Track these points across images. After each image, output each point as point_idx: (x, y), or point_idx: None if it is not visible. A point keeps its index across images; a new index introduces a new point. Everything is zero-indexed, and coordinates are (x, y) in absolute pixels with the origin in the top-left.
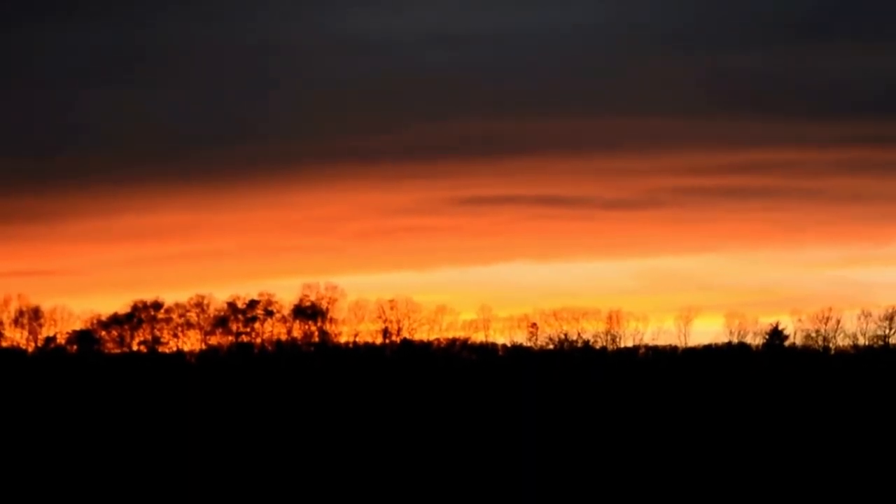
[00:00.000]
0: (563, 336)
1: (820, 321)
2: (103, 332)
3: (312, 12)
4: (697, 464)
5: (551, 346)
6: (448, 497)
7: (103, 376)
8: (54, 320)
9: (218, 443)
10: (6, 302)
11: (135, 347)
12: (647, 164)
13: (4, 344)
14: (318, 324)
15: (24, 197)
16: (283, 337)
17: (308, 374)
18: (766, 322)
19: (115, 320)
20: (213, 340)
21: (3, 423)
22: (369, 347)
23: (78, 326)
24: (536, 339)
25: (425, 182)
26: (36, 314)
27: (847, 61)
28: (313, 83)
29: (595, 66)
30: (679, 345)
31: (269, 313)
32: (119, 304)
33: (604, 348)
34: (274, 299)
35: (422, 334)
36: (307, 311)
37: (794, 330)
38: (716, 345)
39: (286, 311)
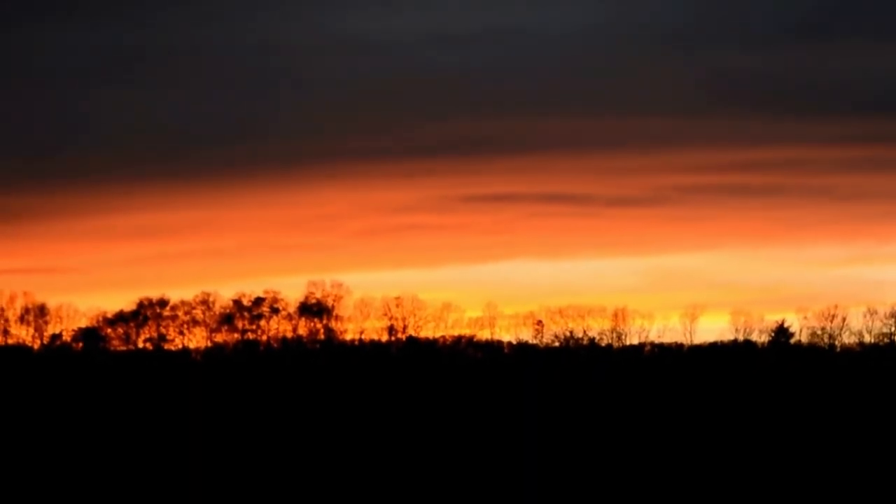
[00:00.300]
0: (568, 333)
1: (825, 319)
2: (109, 330)
3: (314, 12)
4: (703, 460)
5: (556, 344)
6: (452, 493)
7: (109, 374)
8: (60, 318)
9: (223, 440)
10: (12, 299)
11: (140, 345)
12: (653, 163)
13: (11, 341)
14: (324, 321)
15: (30, 195)
16: (289, 334)
17: (313, 372)
18: (772, 320)
19: (121, 318)
20: (219, 338)
21: (9, 421)
22: (375, 345)
23: (84, 324)
24: (542, 337)
25: (430, 180)
26: (42, 312)
27: (851, 60)
28: (318, 83)
29: (598, 65)
30: (684, 342)
31: (275, 311)
32: (125, 301)
33: (609, 346)
34: (279, 297)
35: (427, 332)
36: (313, 309)
37: (800, 327)
38: (721, 342)
39: (292, 309)
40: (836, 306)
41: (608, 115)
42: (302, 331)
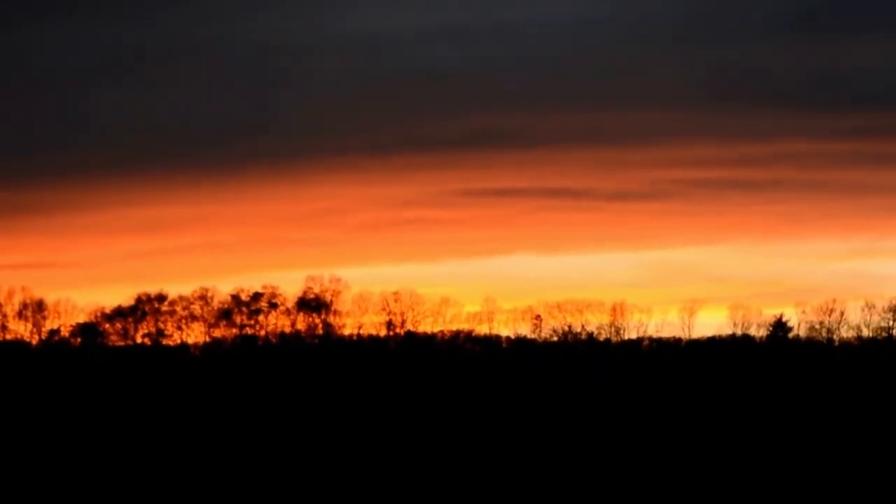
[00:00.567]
0: (566, 328)
1: (824, 313)
2: (107, 325)
3: (314, 9)
4: (702, 455)
5: (555, 339)
6: (451, 488)
7: (107, 369)
8: (58, 313)
9: (222, 435)
10: (10, 295)
11: (139, 340)
12: (651, 157)
13: (9, 337)
14: (322, 316)
15: (28, 191)
16: (287, 329)
17: (312, 367)
18: (770, 314)
19: (119, 313)
20: (217, 333)
21: (7, 416)
22: (373, 340)
23: (82, 319)
24: (540, 332)
25: (429, 175)
26: (40, 307)
27: (851, 54)
28: (317, 79)
29: (599, 60)
30: (683, 337)
31: (273, 306)
32: (123, 296)
33: (607, 340)
34: (278, 292)
35: (426, 326)
36: (311, 304)
37: (798, 322)
38: (720, 337)
39: (290, 304)
40: (834, 300)
41: (608, 110)
42: (300, 326)
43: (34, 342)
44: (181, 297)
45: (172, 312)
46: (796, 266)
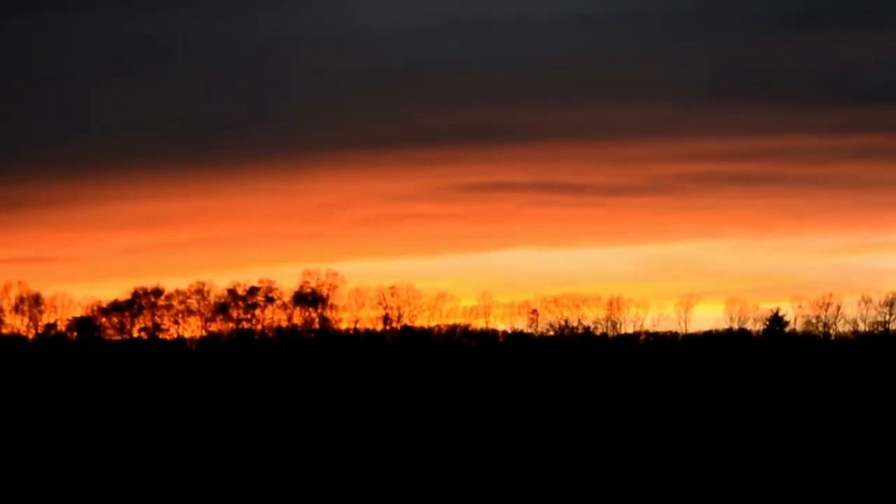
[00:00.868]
0: (563, 322)
1: (820, 307)
2: (104, 319)
3: (313, 4)
4: (698, 449)
5: (552, 333)
6: (448, 482)
7: (104, 363)
8: (55, 307)
9: (219, 429)
10: (7, 289)
11: (135, 334)
12: (649, 151)
13: (5, 331)
14: (319, 310)
15: (25, 185)
16: (284, 324)
17: (308, 361)
18: (767, 308)
19: (116, 307)
20: (214, 327)
21: (4, 410)
22: (370, 334)
23: (78, 313)
24: (537, 326)
25: (426, 169)
26: (36, 301)
27: (850, 49)
28: (314, 73)
29: (597, 54)
30: (679, 331)
31: (270, 300)
32: (119, 290)
33: (604, 335)
34: (274, 286)
35: (422, 321)
36: (308, 298)
37: (795, 316)
38: (716, 331)
39: (287, 298)
40: (830, 295)
41: (606, 104)
42: (297, 320)
43: (31, 336)
44: (178, 292)
45: (169, 307)
46: (793, 260)
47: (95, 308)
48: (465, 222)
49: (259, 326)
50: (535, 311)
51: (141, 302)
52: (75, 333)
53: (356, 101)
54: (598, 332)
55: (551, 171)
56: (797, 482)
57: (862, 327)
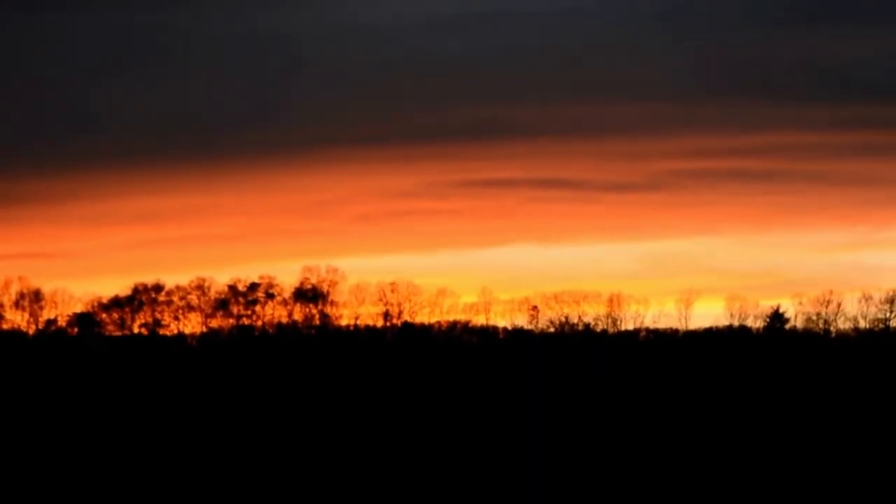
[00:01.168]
0: (563, 319)
1: (821, 304)
2: (104, 315)
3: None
4: (698, 446)
5: (552, 329)
6: (448, 479)
7: (104, 359)
8: (55, 303)
9: (219, 425)
10: (7, 284)
11: (136, 330)
12: (649, 148)
13: (5, 326)
14: (319, 306)
15: (26, 180)
16: (284, 320)
17: (308, 357)
18: (767, 305)
19: (116, 303)
20: (214, 323)
21: (4, 406)
22: (370, 330)
23: (79, 309)
24: (537, 322)
25: (427, 165)
26: (37, 297)
27: (850, 45)
28: (314, 69)
29: (596, 50)
30: (680, 328)
31: (270, 296)
32: (120, 286)
33: (604, 331)
34: (275, 282)
35: (423, 317)
36: (308, 294)
37: (795, 313)
38: (717, 328)
39: (287, 294)
40: (831, 292)
41: (605, 101)
42: (297, 316)
43: (31, 332)
44: (178, 288)
45: (169, 302)
46: (793, 257)
47: (96, 304)
48: (466, 219)
49: (259, 323)
50: (535, 308)
51: (141, 298)
52: (76, 329)
53: (356, 97)
54: (599, 328)
55: (551, 168)
56: (798, 479)
57: (862, 324)
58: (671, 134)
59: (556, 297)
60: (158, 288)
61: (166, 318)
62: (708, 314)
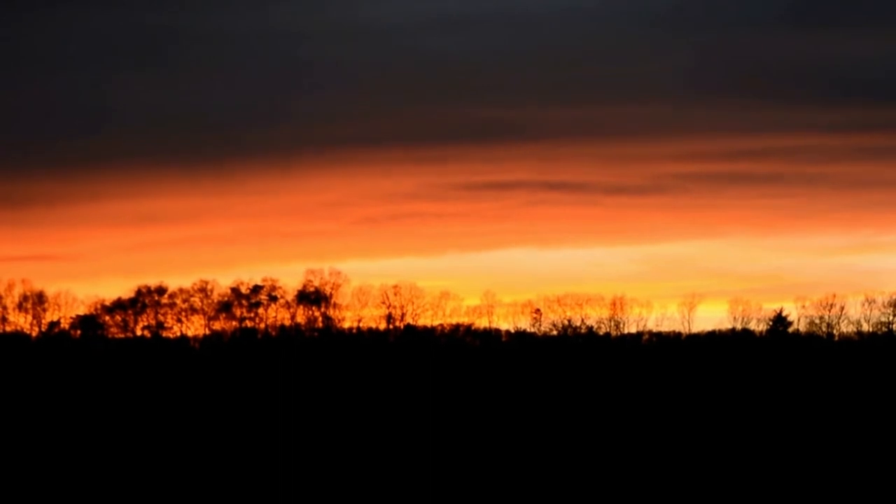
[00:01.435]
0: (566, 322)
1: (824, 308)
2: (107, 317)
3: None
4: (701, 448)
5: (555, 332)
6: (450, 479)
7: (107, 361)
8: (58, 305)
9: (220, 428)
10: (10, 287)
11: (138, 332)
12: (652, 151)
13: (9, 328)
14: (322, 309)
15: (29, 183)
16: (287, 322)
17: (311, 360)
18: (770, 308)
19: (119, 305)
20: (217, 326)
21: (7, 408)
22: (373, 333)
23: (82, 311)
24: (540, 325)
25: (430, 168)
26: (40, 299)
27: (852, 48)
28: (319, 70)
29: (599, 53)
30: (683, 331)
31: (273, 298)
32: (123, 289)
33: (607, 334)
34: (278, 284)
35: (425, 320)
36: (311, 297)
37: (798, 316)
38: (720, 331)
39: (290, 297)
40: (834, 295)
41: (608, 103)
42: (300, 319)
43: (34, 334)
44: (181, 290)
45: (172, 305)
46: (796, 260)
47: (99, 306)
48: (468, 221)
49: (262, 325)
50: (538, 311)
51: (144, 300)
52: (79, 331)
53: (359, 100)
54: (602, 331)
55: (555, 171)
56: (802, 482)
57: (865, 327)
58: (674, 137)
59: (558, 300)
60: (161, 290)
61: (169, 321)
62: (711, 317)
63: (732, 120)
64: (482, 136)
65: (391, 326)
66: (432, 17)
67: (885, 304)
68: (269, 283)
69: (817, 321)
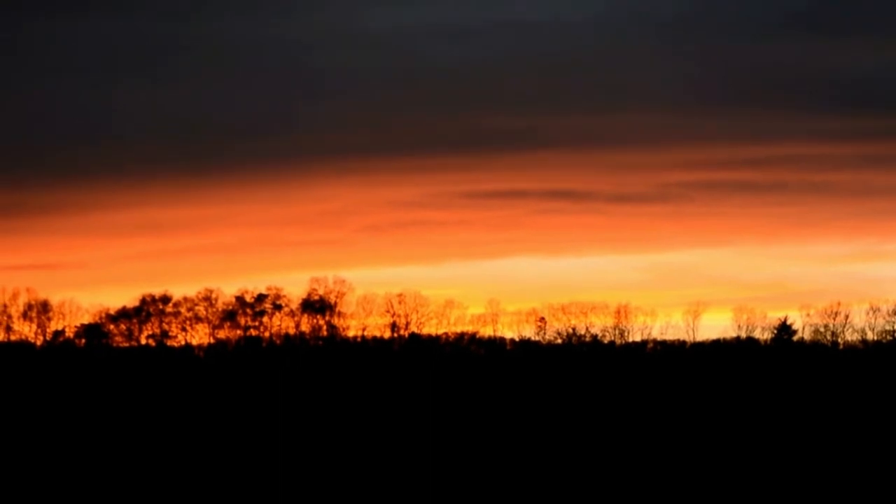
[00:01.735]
0: (570, 330)
1: (828, 316)
2: (112, 326)
3: (320, 7)
4: (706, 457)
5: (559, 341)
6: (455, 489)
7: (111, 370)
8: (63, 314)
9: (224, 437)
10: (15, 295)
11: (143, 341)
12: (656, 159)
13: (13, 338)
14: (327, 318)
15: (33, 191)
16: (292, 331)
17: (316, 368)
18: (775, 317)
19: (124, 314)
20: (222, 334)
21: (12, 417)
22: (377, 341)
23: (86, 320)
24: (544, 334)
25: (434, 176)
26: (44, 308)
27: (857, 56)
28: (322, 78)
29: (602, 60)
30: (687, 339)
31: (278, 307)
32: (127, 297)
33: (612, 343)
34: (282, 293)
35: (430, 328)
36: (315, 305)
37: (803, 325)
38: (724, 339)
39: (294, 305)
40: (838, 303)
41: (612, 111)
42: (305, 327)
43: (38, 343)
44: (186, 299)
45: (177, 314)
46: (801, 269)
47: (103, 315)
48: (473, 229)
49: (267, 334)
50: (542, 319)
51: (149, 309)
52: (83, 340)
53: (363, 107)
54: (606, 340)
55: (559, 179)
56: (806, 490)
57: (870, 336)
58: (679, 145)
59: (563, 309)
60: (166, 299)
61: (174, 330)
62: (715, 326)
63: (737, 128)
64: (486, 145)
65: (396, 335)
66: (437, 25)
67: (890, 312)
68: (274, 291)
69: (822, 329)
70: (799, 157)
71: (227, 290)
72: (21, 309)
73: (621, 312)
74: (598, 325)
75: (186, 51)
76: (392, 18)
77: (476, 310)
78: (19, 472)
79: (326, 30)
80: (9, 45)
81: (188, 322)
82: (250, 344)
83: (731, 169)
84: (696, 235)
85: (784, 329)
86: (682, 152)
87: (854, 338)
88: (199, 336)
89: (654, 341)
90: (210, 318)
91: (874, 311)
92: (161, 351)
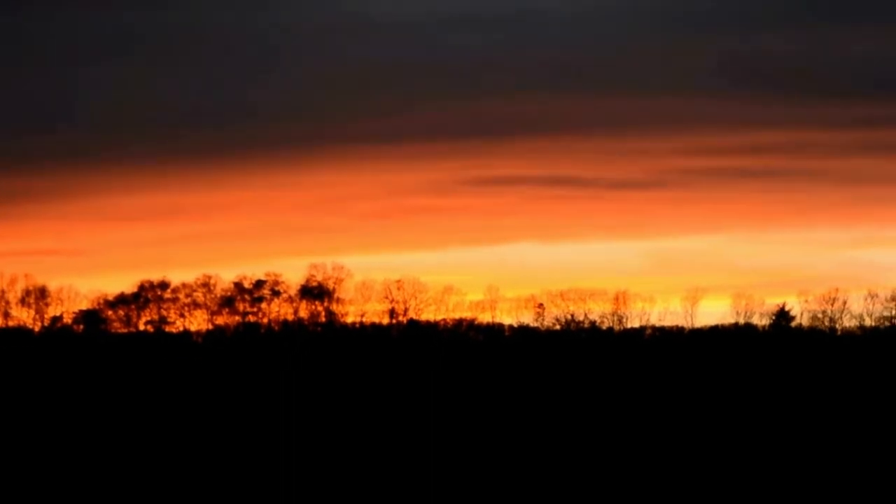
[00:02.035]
0: (569, 317)
1: (826, 302)
2: (110, 312)
3: None
4: (703, 444)
5: (558, 327)
6: (453, 476)
7: (110, 356)
8: (61, 300)
9: (223, 424)
10: (13, 281)
11: (141, 327)
12: (655, 145)
13: (11, 323)
14: (325, 304)
15: (31, 177)
16: (290, 317)
17: (314, 354)
18: (773, 303)
19: (122, 300)
20: (220, 320)
21: (9, 403)
22: (376, 328)
23: (84, 306)
24: (543, 320)
25: (433, 163)
26: (42, 294)
27: (856, 43)
28: (324, 64)
29: (601, 47)
30: (686, 326)
31: (276, 293)
32: (126, 283)
33: (610, 329)
34: (281, 279)
35: (428, 314)
36: (314, 292)
37: (801, 311)
38: (722, 326)
39: (293, 292)
40: (836, 290)
41: (610, 98)
42: (303, 313)
43: (37, 329)
44: (184, 285)
45: (175, 300)
46: (799, 255)
47: (101, 301)
48: (472, 216)
49: (265, 320)
50: (541, 306)
51: (147, 295)
52: (81, 326)
53: (363, 93)
54: (604, 326)
55: (557, 165)
56: (803, 477)
57: (868, 322)
58: (677, 131)
59: (561, 295)
60: (164, 285)
61: (172, 316)
62: (714, 312)
63: (735, 115)
64: (485, 131)
65: (394, 321)
66: (438, 13)
67: (888, 298)
68: (272, 277)
69: (820, 316)
70: (798, 144)
71: (226, 276)
72: (19, 295)
73: (620, 299)
74: (597, 312)
75: (189, 39)
76: (394, 6)
77: (475, 296)
78: (18, 458)
79: (329, 16)
80: (7, 31)
81: (186, 308)
82: (249, 330)
83: (730, 156)
84: (694, 222)
85: (782, 315)
86: (681, 139)
87: (852, 324)
88: (198, 322)
89: (653, 327)
90: (208, 304)
91: (872, 298)
92: (159, 337)
